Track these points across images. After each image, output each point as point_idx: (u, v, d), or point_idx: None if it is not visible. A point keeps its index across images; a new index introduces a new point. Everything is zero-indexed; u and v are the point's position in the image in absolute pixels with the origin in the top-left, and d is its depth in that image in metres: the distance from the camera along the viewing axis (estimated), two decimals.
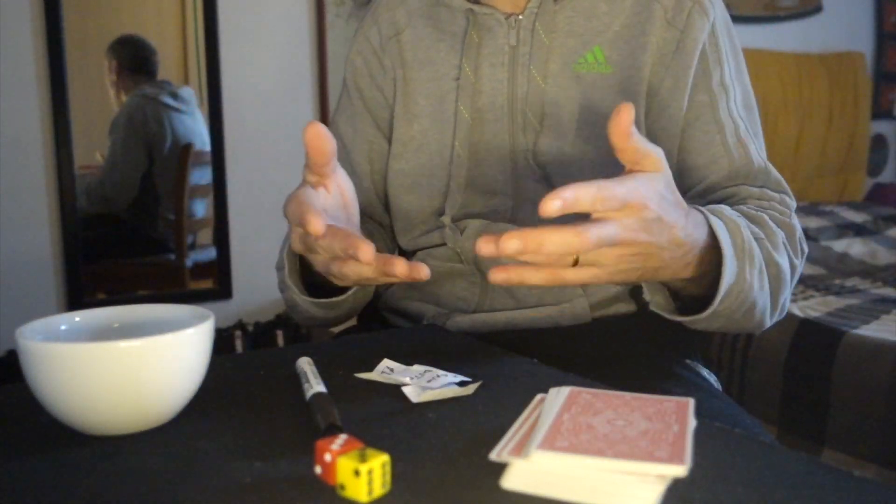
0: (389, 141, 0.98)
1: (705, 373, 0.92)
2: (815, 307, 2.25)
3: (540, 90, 0.89)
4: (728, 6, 0.92)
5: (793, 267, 0.84)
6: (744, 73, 0.93)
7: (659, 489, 0.42)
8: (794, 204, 0.89)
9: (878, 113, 3.59)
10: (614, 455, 0.43)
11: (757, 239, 0.78)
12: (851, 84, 3.34)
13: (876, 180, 3.65)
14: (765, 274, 0.78)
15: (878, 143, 3.64)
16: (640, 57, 0.88)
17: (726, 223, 0.74)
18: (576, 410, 0.50)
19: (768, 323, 0.82)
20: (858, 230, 2.92)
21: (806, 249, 0.88)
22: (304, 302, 0.83)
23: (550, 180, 0.88)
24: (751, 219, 0.81)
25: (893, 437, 1.81)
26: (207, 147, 2.42)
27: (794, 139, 3.20)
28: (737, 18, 0.89)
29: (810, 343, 2.03)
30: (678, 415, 0.49)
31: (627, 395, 0.54)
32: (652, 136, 0.88)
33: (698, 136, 0.88)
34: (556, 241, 0.54)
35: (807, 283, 2.51)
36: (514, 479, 0.44)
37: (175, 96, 2.38)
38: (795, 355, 2.04)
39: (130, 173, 2.36)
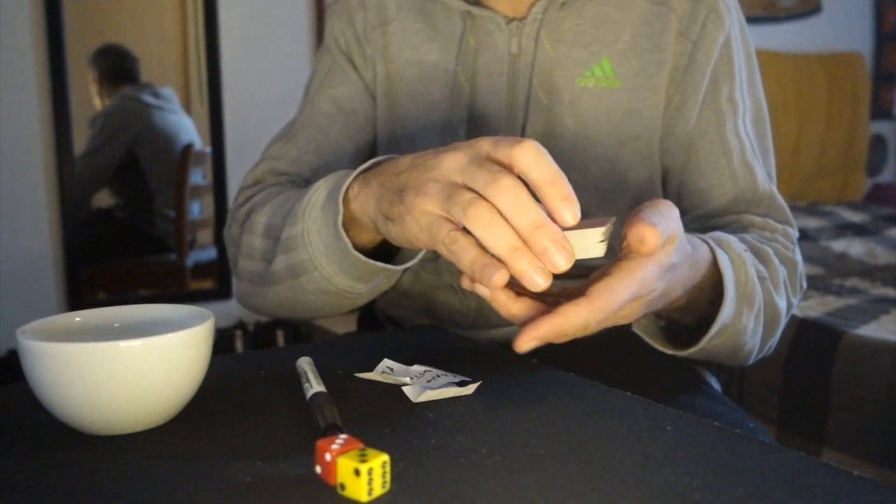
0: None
1: (706, 374, 0.91)
2: (814, 307, 2.25)
3: (541, 106, 0.83)
4: None
5: (789, 307, 0.80)
6: (757, 82, 0.88)
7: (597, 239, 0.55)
8: (796, 234, 0.85)
9: (878, 113, 3.59)
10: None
11: (760, 279, 0.74)
12: (850, 84, 3.34)
13: (875, 180, 3.65)
14: (761, 317, 0.74)
15: (878, 143, 3.64)
16: (656, 76, 0.82)
17: (732, 259, 0.70)
18: None
19: (749, 363, 0.79)
20: (857, 230, 2.92)
21: (805, 286, 0.84)
22: (352, 272, 0.69)
23: None
24: (755, 252, 0.77)
25: (893, 437, 1.81)
26: (197, 141, 2.43)
27: (794, 139, 3.20)
28: None
29: (810, 343, 2.04)
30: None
31: None
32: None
33: (703, 156, 0.83)
34: (573, 323, 0.55)
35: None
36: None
37: (156, 95, 2.39)
38: (795, 355, 2.04)
39: (101, 165, 2.36)
